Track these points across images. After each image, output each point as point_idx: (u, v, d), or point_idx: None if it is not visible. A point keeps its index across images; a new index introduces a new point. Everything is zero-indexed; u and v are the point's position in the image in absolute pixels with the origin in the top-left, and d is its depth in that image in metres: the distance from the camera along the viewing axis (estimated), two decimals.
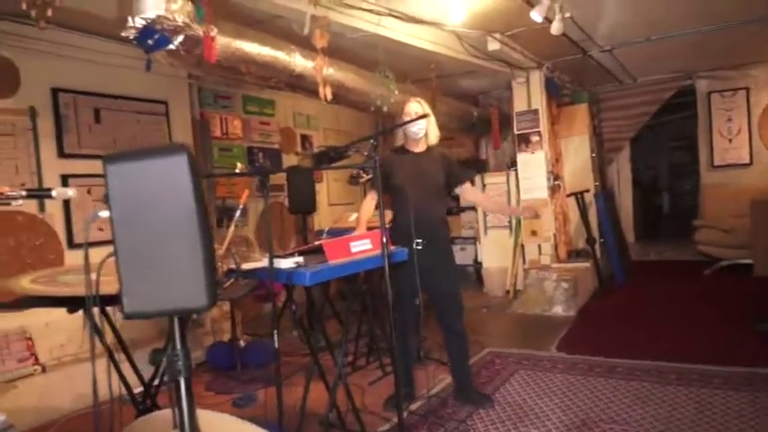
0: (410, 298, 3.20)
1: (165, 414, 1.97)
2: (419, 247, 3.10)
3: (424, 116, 3.20)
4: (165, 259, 1.39)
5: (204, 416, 1.70)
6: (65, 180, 3.95)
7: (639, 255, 8.35)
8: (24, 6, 2.44)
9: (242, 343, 4.43)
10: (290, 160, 6.62)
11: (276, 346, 2.69)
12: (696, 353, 3.98)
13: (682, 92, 7.71)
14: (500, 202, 6.41)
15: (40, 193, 2.68)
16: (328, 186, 7.40)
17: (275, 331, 2.71)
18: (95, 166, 4.14)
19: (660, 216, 11.16)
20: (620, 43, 5.70)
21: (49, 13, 2.47)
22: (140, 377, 2.79)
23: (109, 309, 2.66)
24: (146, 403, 2.71)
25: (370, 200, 3.40)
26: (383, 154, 3.32)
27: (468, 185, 3.49)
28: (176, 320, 1.60)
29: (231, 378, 4.14)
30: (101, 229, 4.13)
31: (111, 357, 2.55)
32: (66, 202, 3.87)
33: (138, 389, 2.78)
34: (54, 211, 3.87)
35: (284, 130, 6.63)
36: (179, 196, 1.38)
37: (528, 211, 4.41)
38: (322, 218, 6.71)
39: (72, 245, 3.99)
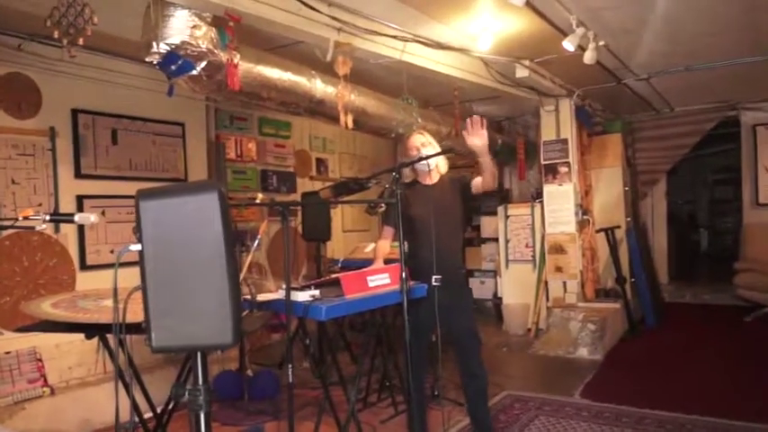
0: (426, 334, 3.35)
1: None
2: (437, 284, 3.22)
3: (450, 150, 3.42)
4: (193, 295, 1.59)
5: None
6: (80, 201, 4.29)
7: (673, 296, 8.46)
8: (56, 35, 2.76)
9: (250, 373, 4.67)
10: (304, 184, 6.92)
11: (290, 380, 2.93)
12: (735, 408, 3.99)
13: (725, 123, 7.84)
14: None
15: (63, 218, 2.99)
16: (342, 212, 7.67)
17: (290, 365, 2.95)
18: (111, 187, 4.50)
19: (697, 255, 11.27)
20: (658, 72, 5.89)
21: (81, 42, 2.78)
22: (151, 403, 3.04)
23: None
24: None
25: (387, 239, 3.55)
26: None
27: (477, 179, 3.44)
28: (199, 356, 1.83)
29: (238, 409, 4.37)
30: (111, 252, 4.45)
31: (123, 383, 2.81)
32: (70, 222, 4.18)
33: (146, 414, 3.03)
34: (68, 231, 4.18)
35: (299, 152, 6.96)
36: (209, 234, 1.59)
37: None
38: (335, 244, 6.96)
39: (84, 266, 4.30)
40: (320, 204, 5.05)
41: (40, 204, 3.99)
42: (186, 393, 1.84)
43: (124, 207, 4.53)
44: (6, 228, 2.85)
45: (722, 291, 8.07)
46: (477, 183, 3.30)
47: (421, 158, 3.21)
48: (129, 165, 4.65)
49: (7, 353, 3.69)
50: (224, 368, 4.90)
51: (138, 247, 1.66)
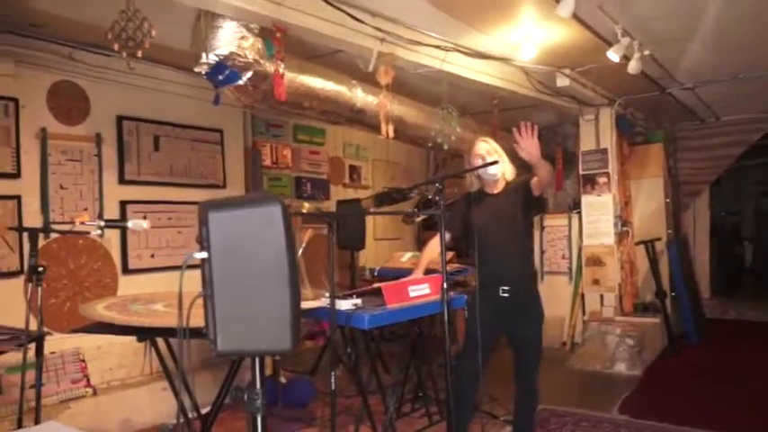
0: (487, 344, 3.30)
1: None
2: (505, 295, 3.29)
3: (494, 162, 3.34)
4: (256, 302, 1.71)
5: None
6: (123, 206, 4.50)
7: (715, 312, 8.40)
8: (116, 47, 2.95)
9: (283, 379, 4.81)
10: (337, 192, 7.07)
11: (333, 387, 3.06)
12: None
13: None
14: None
15: (117, 224, 3.18)
16: (374, 221, 7.78)
17: (332, 373, 3.08)
18: (153, 193, 4.70)
19: (741, 270, 11.12)
20: (705, 81, 5.91)
21: (139, 54, 2.96)
22: (196, 405, 3.19)
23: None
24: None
25: (436, 242, 3.47)
26: (461, 197, 3.61)
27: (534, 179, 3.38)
28: (257, 360, 1.96)
29: (272, 415, 4.50)
30: (152, 256, 4.64)
31: (172, 385, 2.96)
32: (123, 229, 4.38)
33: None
34: (111, 236, 4.39)
35: (333, 159, 7.11)
36: (272, 243, 1.72)
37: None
38: (367, 253, 7.08)
39: (126, 270, 4.51)
40: (352, 213, 5.19)
41: (86, 209, 4.20)
42: (245, 396, 1.98)
43: (165, 212, 4.72)
44: (66, 233, 3.04)
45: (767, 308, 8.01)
46: (535, 182, 3.26)
47: (464, 170, 3.32)
48: (170, 171, 4.85)
49: (53, 353, 3.88)
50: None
51: (203, 254, 1.78)
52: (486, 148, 3.43)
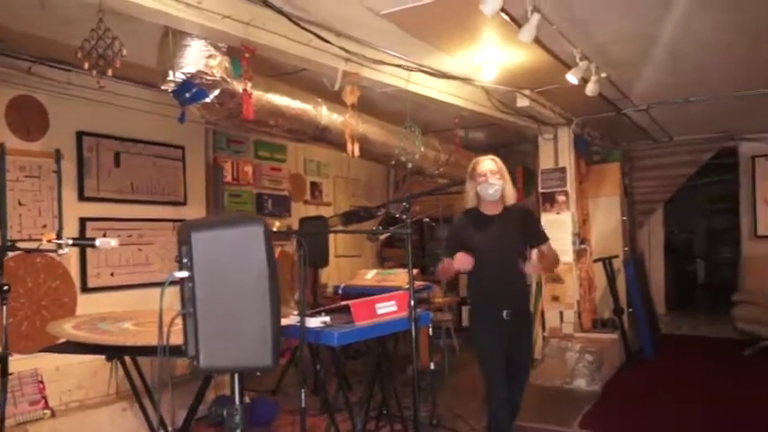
0: (502, 368, 3.37)
1: None
2: (508, 318, 3.34)
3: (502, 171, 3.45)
4: (238, 320, 1.83)
5: None
6: (83, 223, 4.54)
7: (670, 328, 8.76)
8: (86, 66, 3.03)
9: (246, 399, 4.85)
10: (298, 208, 7.19)
11: (303, 405, 3.16)
12: None
13: (723, 153, 8.16)
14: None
15: (84, 242, 3.24)
16: (336, 238, 7.92)
17: (302, 389, 3.18)
18: (113, 210, 4.76)
19: (694, 286, 11.59)
20: (658, 103, 6.24)
21: (110, 73, 3.06)
22: (164, 425, 3.27)
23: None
24: None
25: (448, 272, 3.57)
26: (458, 218, 3.67)
27: (546, 246, 3.62)
28: (237, 377, 2.08)
29: None
30: (112, 275, 4.68)
31: (140, 404, 3.04)
32: (91, 247, 4.41)
33: None
34: (70, 254, 4.40)
35: (294, 176, 7.25)
36: (254, 263, 1.84)
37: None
38: (330, 269, 7.20)
39: (86, 288, 4.53)
40: (319, 226, 5.33)
41: (45, 226, 4.22)
42: (224, 413, 2.10)
43: (125, 230, 4.77)
44: (32, 251, 3.09)
45: (720, 323, 8.32)
46: (535, 255, 3.45)
47: (434, 190, 3.48)
48: (131, 187, 4.91)
49: (10, 374, 3.87)
50: (218, 393, 5.08)
51: (183, 273, 1.90)
52: (491, 167, 3.41)
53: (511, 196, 3.46)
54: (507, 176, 3.44)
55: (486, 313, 3.42)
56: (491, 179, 3.35)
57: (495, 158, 3.46)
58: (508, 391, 3.38)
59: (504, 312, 3.32)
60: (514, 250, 3.41)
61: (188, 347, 1.92)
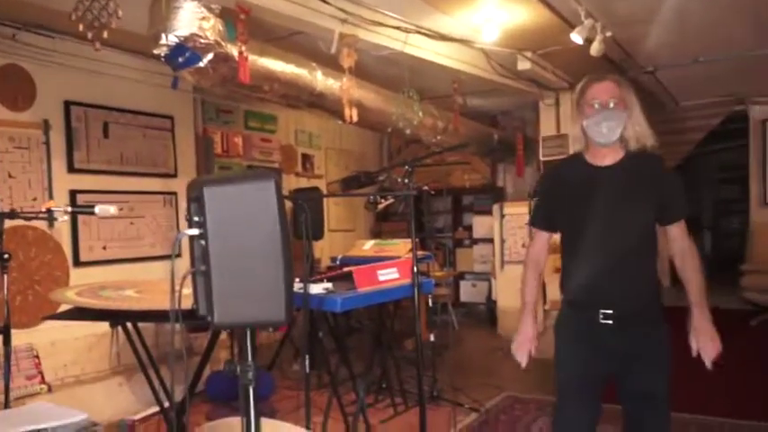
0: (585, 399, 2.57)
1: (229, 422, 2.60)
2: (608, 321, 2.45)
3: (454, 148, 3.65)
4: (252, 275, 1.93)
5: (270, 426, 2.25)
6: (73, 196, 4.66)
7: (674, 300, 8.75)
8: (81, 28, 3.14)
9: None
10: (290, 181, 7.31)
11: (307, 370, 3.32)
12: (739, 408, 4.42)
13: (732, 118, 8.27)
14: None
15: (84, 210, 3.37)
16: (329, 212, 8.05)
17: (305, 356, 3.33)
18: (103, 182, 4.88)
19: (701, 257, 11.78)
20: (665, 65, 6.35)
21: (105, 35, 3.17)
22: (168, 393, 3.42)
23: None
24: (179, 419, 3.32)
25: (541, 247, 2.84)
26: (548, 170, 3.09)
27: (681, 224, 2.54)
28: (249, 334, 2.21)
29: (233, 409, 4.71)
30: (104, 248, 4.82)
31: (145, 373, 3.20)
32: (75, 219, 4.55)
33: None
34: (62, 227, 4.54)
35: (285, 147, 7.36)
36: (266, 218, 1.95)
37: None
38: (323, 243, 7.32)
39: (78, 262, 4.68)
40: (316, 201, 5.46)
41: (35, 199, 4.34)
42: (237, 369, 2.24)
43: (117, 202, 4.83)
44: (31, 218, 3.21)
45: (727, 294, 8.33)
46: (674, 234, 2.52)
47: (443, 150, 3.50)
48: (120, 159, 5.04)
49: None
50: (213, 369, 5.25)
51: (194, 231, 2.03)
52: (611, 90, 2.39)
53: (635, 139, 2.41)
54: (637, 106, 2.42)
55: (577, 317, 2.57)
56: (609, 110, 2.34)
57: (619, 78, 2.48)
58: (584, 423, 2.55)
59: (601, 313, 2.44)
60: (637, 224, 2.42)
61: (199, 306, 2.03)
